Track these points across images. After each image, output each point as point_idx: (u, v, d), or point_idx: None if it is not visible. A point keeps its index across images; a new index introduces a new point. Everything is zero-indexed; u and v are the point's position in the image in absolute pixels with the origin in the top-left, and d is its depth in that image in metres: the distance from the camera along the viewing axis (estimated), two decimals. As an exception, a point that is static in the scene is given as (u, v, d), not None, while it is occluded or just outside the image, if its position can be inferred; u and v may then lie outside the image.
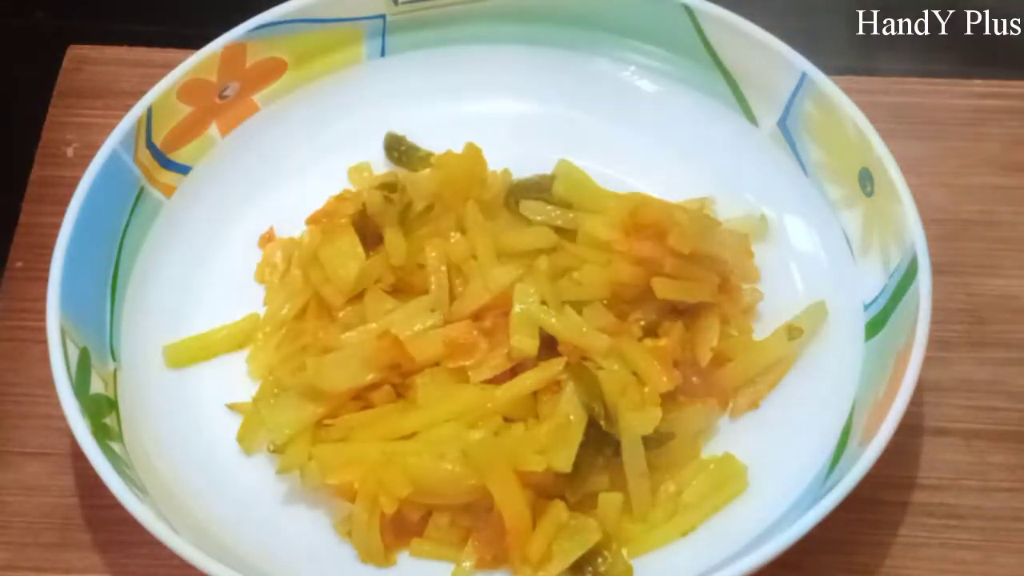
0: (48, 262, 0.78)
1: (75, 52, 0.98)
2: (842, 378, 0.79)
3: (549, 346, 0.77)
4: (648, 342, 0.78)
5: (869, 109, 0.82)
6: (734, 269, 0.82)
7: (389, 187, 0.84)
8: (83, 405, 0.74)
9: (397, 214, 0.83)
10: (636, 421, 0.75)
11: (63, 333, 0.76)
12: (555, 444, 0.73)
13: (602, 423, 0.74)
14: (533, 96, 0.91)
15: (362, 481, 0.74)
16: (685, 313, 0.80)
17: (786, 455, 0.78)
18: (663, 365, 0.77)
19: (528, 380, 0.76)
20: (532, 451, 0.73)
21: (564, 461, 0.73)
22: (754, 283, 0.84)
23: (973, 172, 0.92)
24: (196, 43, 0.87)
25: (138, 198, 0.84)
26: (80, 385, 0.76)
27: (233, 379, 0.82)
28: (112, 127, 0.83)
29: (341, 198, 0.85)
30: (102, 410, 0.77)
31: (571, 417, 0.74)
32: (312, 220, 0.86)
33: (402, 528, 0.75)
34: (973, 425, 0.82)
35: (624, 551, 0.75)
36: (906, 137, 0.91)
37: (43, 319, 0.76)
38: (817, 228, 0.85)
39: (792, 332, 0.80)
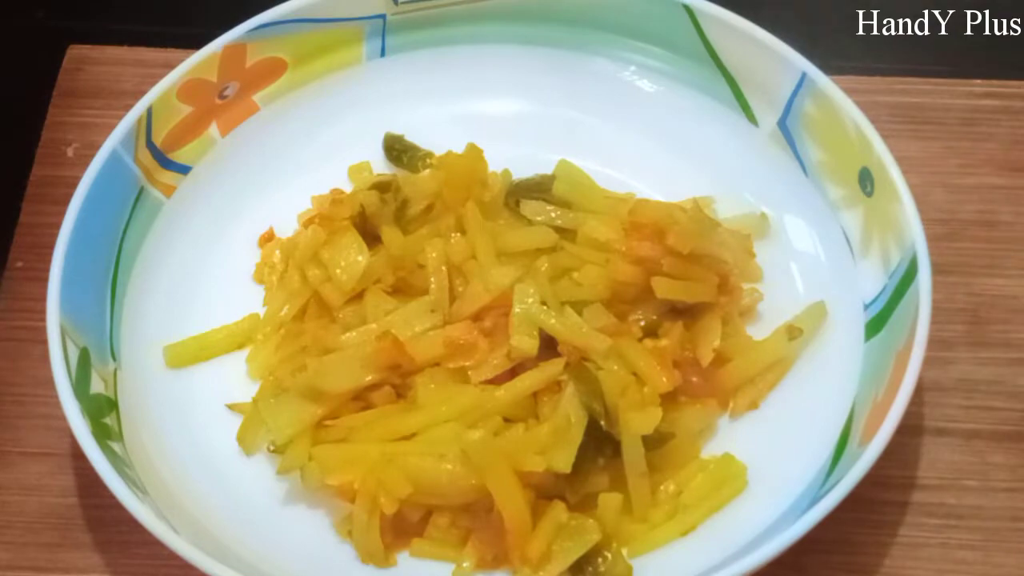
0: (48, 262, 0.78)
1: (75, 52, 0.98)
2: (842, 378, 0.79)
3: (549, 346, 0.77)
4: (648, 342, 0.78)
5: (869, 109, 0.82)
6: (734, 269, 0.82)
7: (383, 187, 0.84)
8: (83, 405, 0.74)
9: (392, 213, 0.83)
10: (636, 421, 0.75)
11: (63, 333, 0.76)
12: (555, 445, 0.73)
13: (602, 423, 0.74)
14: (533, 96, 0.91)
15: (362, 481, 0.74)
16: (685, 313, 0.80)
17: (786, 455, 0.78)
18: (663, 365, 0.77)
19: (528, 380, 0.76)
20: (532, 451, 0.73)
21: (564, 461, 0.73)
22: (756, 283, 0.84)
23: (973, 172, 0.92)
24: (196, 43, 0.87)
25: (138, 198, 0.84)
26: (80, 385, 0.76)
27: (233, 379, 0.82)
28: (112, 127, 0.83)
29: (336, 200, 0.85)
30: (102, 410, 0.77)
31: (571, 418, 0.74)
32: (308, 222, 0.86)
33: (402, 528, 0.75)
34: (973, 425, 0.82)
35: (624, 551, 0.75)
36: (906, 137, 0.91)
37: (43, 319, 0.76)
38: (817, 228, 0.85)
39: (792, 332, 0.80)
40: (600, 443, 0.74)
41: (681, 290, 0.79)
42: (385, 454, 0.75)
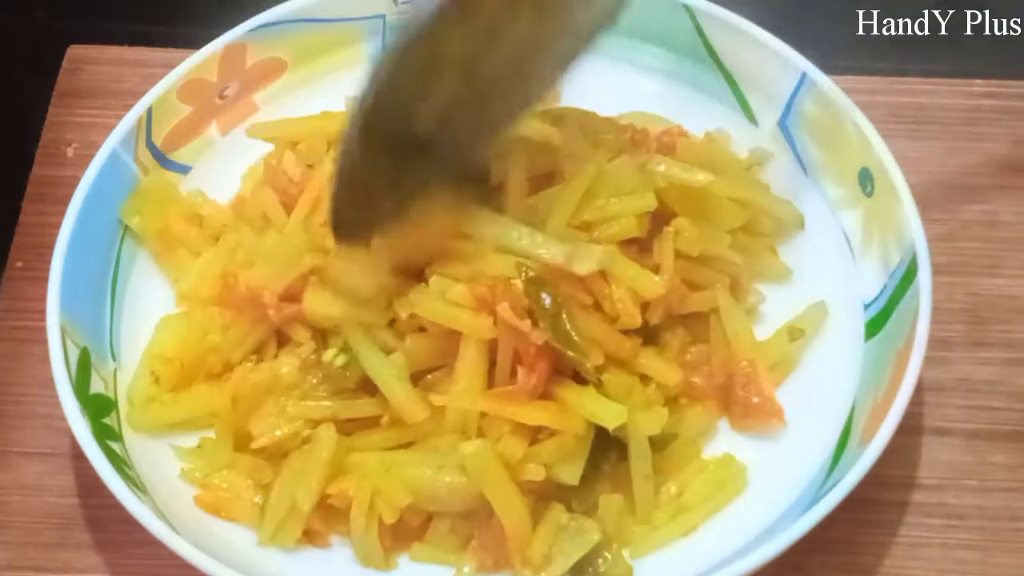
0: (48, 262, 0.78)
1: (75, 52, 0.98)
2: (842, 378, 0.79)
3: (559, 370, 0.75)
4: (651, 350, 0.78)
5: (869, 109, 0.82)
6: (746, 270, 0.81)
7: None
8: (83, 405, 0.74)
9: None
10: (644, 421, 0.74)
11: (63, 333, 0.76)
12: (563, 457, 0.73)
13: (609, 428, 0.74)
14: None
15: (356, 489, 0.74)
16: (689, 316, 0.80)
17: (786, 455, 0.78)
18: (669, 364, 0.77)
19: (530, 411, 0.73)
20: (533, 462, 0.73)
21: (572, 474, 0.73)
22: (784, 281, 0.84)
23: (973, 172, 0.92)
24: (196, 43, 0.87)
25: (138, 198, 0.84)
26: (80, 385, 0.76)
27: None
28: (112, 127, 0.83)
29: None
30: (102, 410, 0.77)
31: (579, 431, 0.73)
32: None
33: (402, 532, 0.75)
34: (973, 425, 0.82)
35: (626, 552, 0.75)
36: (906, 137, 0.91)
37: (43, 319, 0.76)
38: (817, 228, 0.85)
39: (794, 333, 0.80)
40: (606, 448, 0.74)
41: (694, 302, 0.78)
42: (383, 463, 0.74)
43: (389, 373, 0.75)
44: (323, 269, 0.76)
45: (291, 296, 0.77)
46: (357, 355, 0.75)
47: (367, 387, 0.76)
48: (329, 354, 0.76)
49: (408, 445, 0.76)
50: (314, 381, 0.77)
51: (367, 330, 0.75)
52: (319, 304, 0.76)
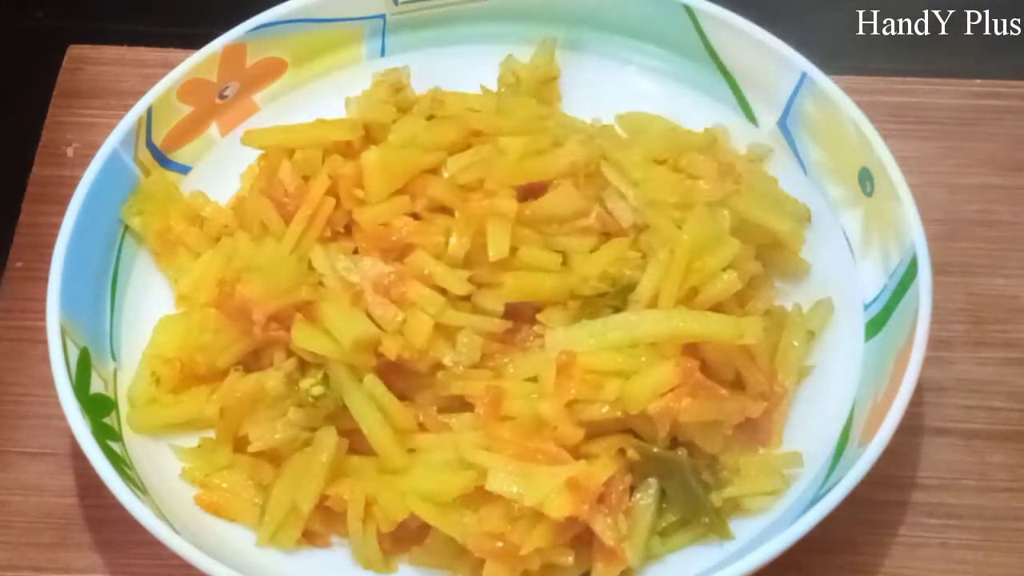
0: (48, 262, 0.78)
1: (75, 52, 0.98)
2: (842, 378, 0.79)
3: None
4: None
5: (869, 109, 0.82)
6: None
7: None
8: (83, 405, 0.74)
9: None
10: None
11: (63, 333, 0.76)
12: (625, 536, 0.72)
13: (703, 494, 0.74)
14: (533, 97, 0.91)
15: (352, 493, 0.74)
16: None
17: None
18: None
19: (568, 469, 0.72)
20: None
21: (633, 557, 0.73)
22: (803, 276, 0.83)
23: (973, 172, 0.92)
24: (196, 43, 0.87)
25: (138, 198, 0.84)
26: (80, 385, 0.76)
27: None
28: (112, 127, 0.83)
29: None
30: (102, 410, 0.77)
31: (646, 514, 0.74)
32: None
33: (403, 535, 0.75)
34: (973, 425, 0.82)
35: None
36: (906, 137, 0.91)
37: (43, 319, 0.76)
38: (817, 228, 0.85)
39: (808, 336, 0.80)
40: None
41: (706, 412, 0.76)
42: (383, 476, 0.74)
43: (373, 418, 0.75)
44: (314, 306, 0.76)
45: (280, 319, 0.77)
46: (344, 395, 0.75)
47: (337, 418, 0.76)
48: (306, 383, 0.76)
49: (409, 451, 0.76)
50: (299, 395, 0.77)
51: (353, 370, 0.75)
52: (307, 340, 0.76)
